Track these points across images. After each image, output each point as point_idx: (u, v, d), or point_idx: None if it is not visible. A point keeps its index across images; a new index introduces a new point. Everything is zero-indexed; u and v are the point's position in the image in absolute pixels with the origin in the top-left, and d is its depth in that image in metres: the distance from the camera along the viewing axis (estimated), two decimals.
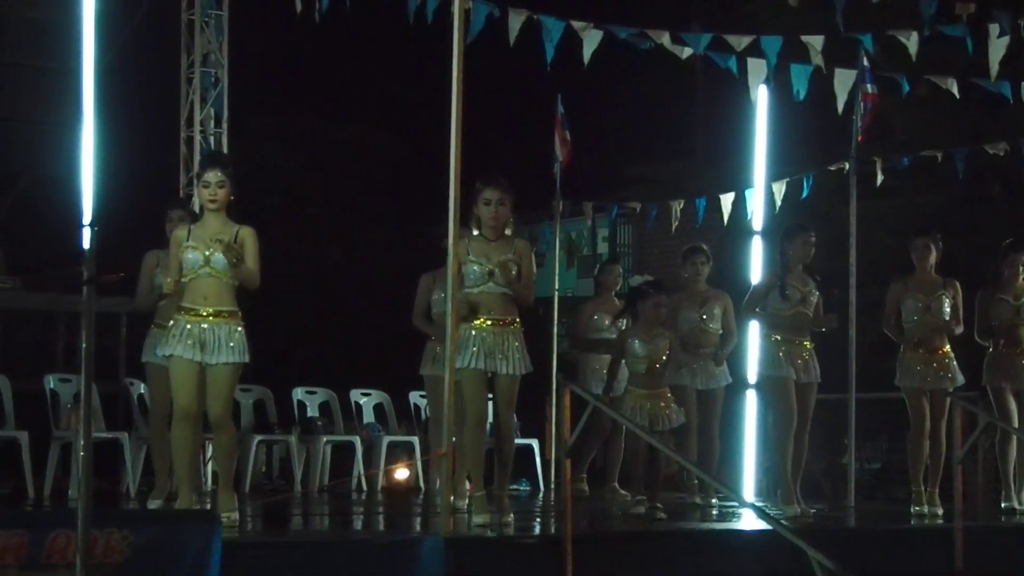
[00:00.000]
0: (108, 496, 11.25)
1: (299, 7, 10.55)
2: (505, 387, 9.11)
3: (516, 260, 9.13)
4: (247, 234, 8.82)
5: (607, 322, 12.15)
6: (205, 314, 8.65)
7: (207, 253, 8.68)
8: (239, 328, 8.76)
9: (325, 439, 13.09)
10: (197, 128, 15.09)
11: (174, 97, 15.32)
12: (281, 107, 22.02)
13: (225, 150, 15.12)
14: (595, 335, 12.29)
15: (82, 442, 6.11)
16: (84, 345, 6.41)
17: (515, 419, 9.75)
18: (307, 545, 8.13)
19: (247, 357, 8.74)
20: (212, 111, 15.18)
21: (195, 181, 8.81)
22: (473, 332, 8.95)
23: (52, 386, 11.93)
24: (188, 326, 8.64)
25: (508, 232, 9.20)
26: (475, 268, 8.98)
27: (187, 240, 8.73)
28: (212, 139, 15.18)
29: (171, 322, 8.80)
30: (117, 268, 8.43)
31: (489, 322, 9.02)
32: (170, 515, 7.98)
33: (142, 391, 12.13)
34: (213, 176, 8.79)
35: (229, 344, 8.68)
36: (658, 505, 10.14)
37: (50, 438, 11.59)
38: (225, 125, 15.23)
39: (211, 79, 15.15)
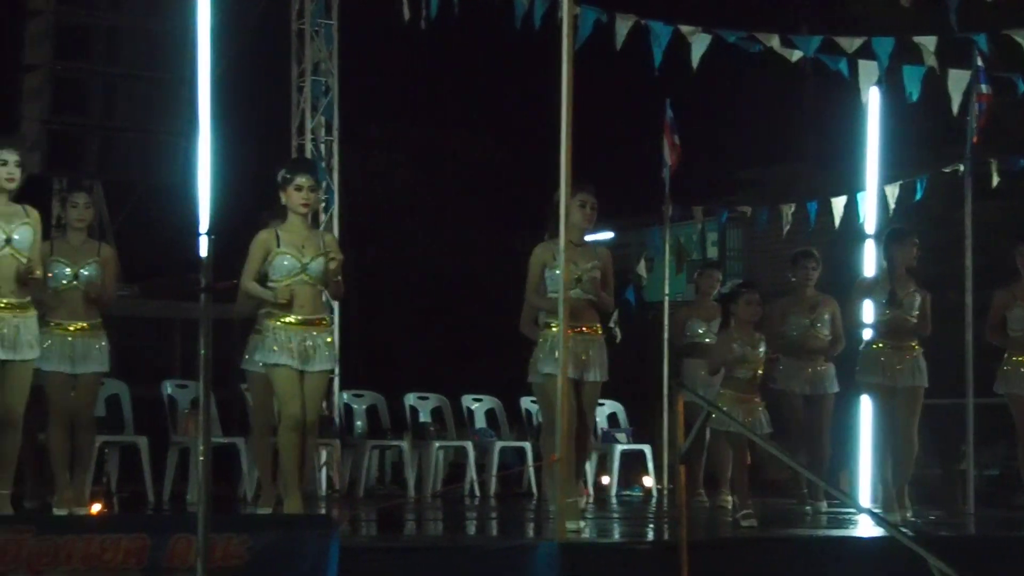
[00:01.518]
0: (225, 500, 11.37)
1: (407, 15, 10.61)
2: (591, 393, 9.21)
3: (601, 267, 9.14)
4: (333, 241, 8.93)
5: (702, 328, 12.12)
6: (300, 322, 8.71)
7: (304, 260, 8.75)
8: (330, 337, 8.90)
9: (437, 444, 13.15)
10: (308, 136, 15.20)
11: (285, 106, 15.46)
12: (389, 114, 22.16)
13: (336, 158, 15.25)
14: (690, 340, 12.25)
15: (201, 447, 6.18)
16: (202, 352, 6.47)
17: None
18: (422, 550, 8.17)
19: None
20: (323, 119, 15.30)
21: (283, 184, 8.78)
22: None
23: (169, 392, 12.08)
24: (288, 334, 8.70)
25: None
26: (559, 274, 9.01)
27: (278, 246, 8.76)
28: (323, 147, 15.30)
29: (267, 329, 8.79)
30: (231, 275, 8.53)
31: (578, 329, 9.02)
32: (288, 520, 8.04)
33: None
34: (306, 180, 8.76)
35: (325, 352, 8.79)
36: (749, 511, 10.04)
37: (168, 443, 11.75)
38: (335, 133, 15.34)
39: (321, 87, 15.27)
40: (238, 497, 11.75)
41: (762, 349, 10.01)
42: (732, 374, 9.95)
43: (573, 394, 8.99)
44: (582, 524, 8.91)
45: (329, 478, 13.80)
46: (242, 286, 8.76)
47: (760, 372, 10.04)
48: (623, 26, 10.34)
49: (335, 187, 15.23)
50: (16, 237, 8.24)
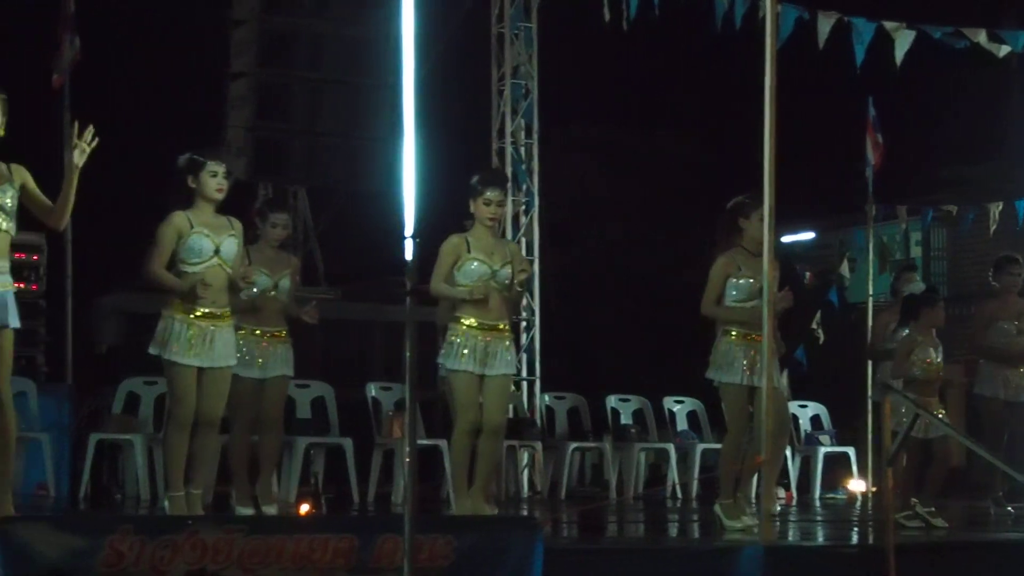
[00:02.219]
0: (429, 501, 11.48)
1: (607, 16, 10.60)
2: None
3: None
4: (518, 252, 9.08)
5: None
6: (484, 326, 8.82)
7: (495, 268, 8.83)
8: (510, 341, 9.02)
9: (639, 446, 13.13)
10: (508, 139, 15.29)
11: (485, 109, 15.57)
12: (589, 116, 22.18)
13: (535, 160, 15.31)
14: (890, 344, 12.05)
15: (407, 448, 6.23)
16: (407, 354, 6.53)
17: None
18: (624, 552, 8.16)
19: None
20: (522, 122, 15.38)
21: (473, 194, 8.92)
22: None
23: (373, 394, 12.23)
24: (471, 338, 8.81)
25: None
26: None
27: (468, 251, 8.87)
28: (523, 150, 15.37)
29: (454, 334, 8.90)
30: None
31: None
32: (492, 521, 8.10)
33: None
34: (496, 195, 8.93)
35: (506, 357, 8.93)
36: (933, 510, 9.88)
37: (372, 445, 11.89)
38: (535, 136, 15.41)
39: (521, 91, 15.35)
40: (442, 498, 11.86)
41: (940, 354, 9.96)
42: (912, 377, 9.85)
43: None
44: (737, 524, 8.83)
45: (531, 480, 13.86)
46: (433, 289, 8.87)
47: (940, 376, 9.94)
48: (825, 23, 10.21)
49: (535, 189, 15.29)
50: (224, 248, 8.40)
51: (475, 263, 8.84)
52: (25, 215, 7.55)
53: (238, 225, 8.61)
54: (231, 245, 8.49)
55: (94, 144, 7.29)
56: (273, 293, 9.51)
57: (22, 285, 11.62)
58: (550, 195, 16.48)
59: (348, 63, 14.93)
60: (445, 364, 8.97)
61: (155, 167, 17.17)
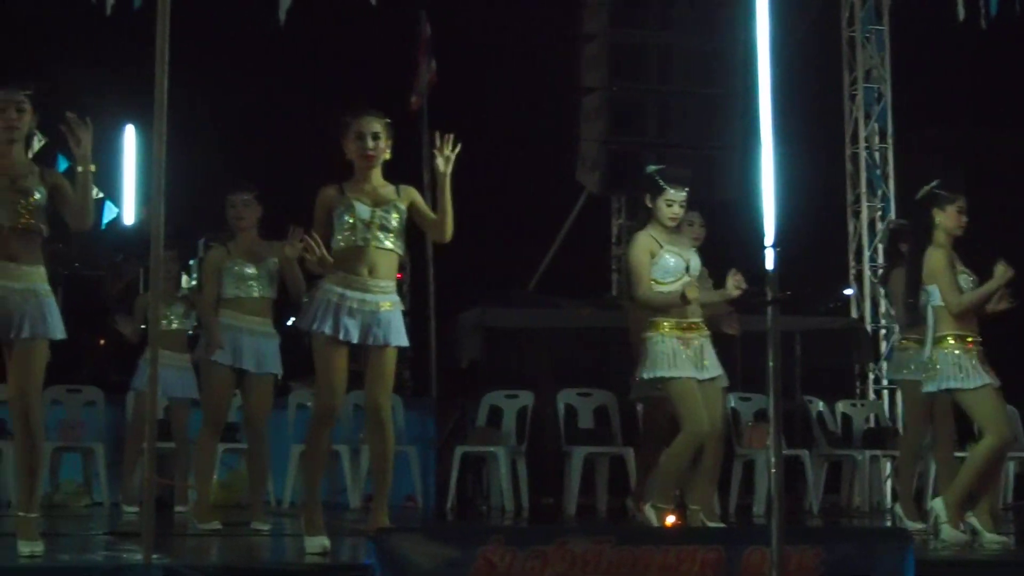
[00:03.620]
0: (791, 513, 11.35)
1: (961, 14, 10.33)
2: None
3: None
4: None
5: None
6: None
7: (687, 259, 8.82)
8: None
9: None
10: (862, 144, 15.07)
11: (836, 114, 15.36)
12: (945, 118, 21.66)
13: (890, 164, 15.03)
14: None
15: (773, 459, 6.17)
16: (771, 364, 6.46)
17: None
18: (1003, 564, 7.87)
19: None
20: (876, 126, 15.13)
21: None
22: None
23: (732, 404, 12.17)
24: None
25: None
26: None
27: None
28: (877, 154, 15.11)
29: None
30: (795, 287, 8.54)
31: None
32: (862, 532, 7.96)
33: (821, 408, 12.25)
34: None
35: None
36: None
37: (733, 455, 11.83)
38: (889, 140, 15.14)
39: (874, 94, 15.10)
40: (804, 509, 11.72)
41: None
42: None
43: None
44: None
45: (894, 490, 13.57)
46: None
47: None
48: None
49: (891, 195, 15.01)
50: (692, 264, 8.83)
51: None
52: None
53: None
54: (697, 261, 8.81)
55: (457, 151, 7.40)
56: None
57: None
58: (906, 200, 16.13)
59: (697, 74, 14.96)
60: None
61: (510, 184, 17.57)
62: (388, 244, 7.41)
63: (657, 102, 15.02)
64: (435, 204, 7.49)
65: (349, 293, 7.31)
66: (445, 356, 13.09)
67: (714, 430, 8.72)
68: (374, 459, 7.60)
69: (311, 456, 7.50)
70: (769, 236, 6.85)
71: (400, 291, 13.19)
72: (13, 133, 6.98)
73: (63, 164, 14.16)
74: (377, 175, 7.47)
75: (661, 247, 8.70)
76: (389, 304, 7.42)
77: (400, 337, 7.43)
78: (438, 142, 7.40)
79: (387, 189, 7.47)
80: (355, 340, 7.29)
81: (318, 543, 7.20)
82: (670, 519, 8.56)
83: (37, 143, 7.67)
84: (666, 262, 8.70)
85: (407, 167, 8.96)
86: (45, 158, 7.70)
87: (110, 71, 16.97)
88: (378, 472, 7.61)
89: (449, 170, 7.38)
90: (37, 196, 6.95)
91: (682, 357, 8.63)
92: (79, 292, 6.97)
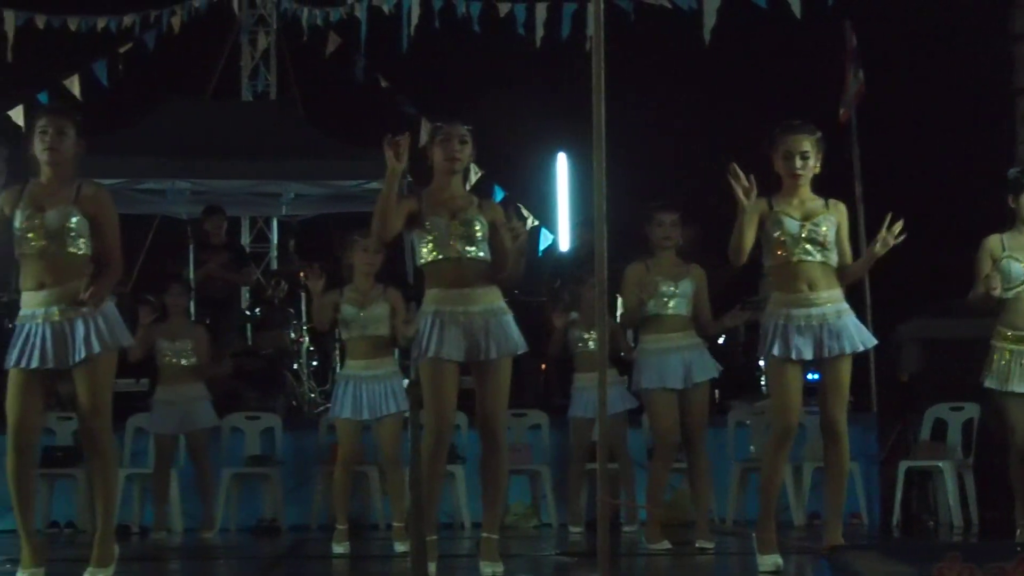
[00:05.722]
0: None
1: None
2: None
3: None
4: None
5: None
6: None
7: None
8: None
9: None
10: None
11: None
12: None
13: None
14: None
15: None
16: None
17: None
18: None
19: None
20: None
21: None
22: None
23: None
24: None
25: None
26: None
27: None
28: None
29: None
30: None
31: None
32: None
33: None
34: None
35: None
36: None
37: None
38: None
39: None
40: None
41: None
42: None
43: None
44: None
45: None
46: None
47: None
48: None
49: None
50: None
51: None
52: None
53: None
54: None
55: (899, 240, 7.27)
56: None
57: None
58: None
59: None
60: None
61: (945, 192, 17.15)
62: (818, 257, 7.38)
63: None
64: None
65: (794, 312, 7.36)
66: (886, 369, 12.86)
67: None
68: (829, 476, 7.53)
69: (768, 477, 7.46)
70: None
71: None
72: (455, 164, 7.25)
73: (499, 194, 14.66)
74: (806, 190, 7.43)
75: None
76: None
77: None
78: (887, 224, 7.26)
79: (816, 203, 7.43)
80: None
81: (771, 561, 7.17)
82: None
83: (474, 175, 7.92)
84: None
85: (837, 180, 8.89)
86: (481, 189, 7.97)
87: (540, 101, 17.44)
88: (832, 491, 7.51)
89: (883, 253, 7.27)
90: (478, 227, 7.19)
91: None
92: (521, 317, 7.14)
